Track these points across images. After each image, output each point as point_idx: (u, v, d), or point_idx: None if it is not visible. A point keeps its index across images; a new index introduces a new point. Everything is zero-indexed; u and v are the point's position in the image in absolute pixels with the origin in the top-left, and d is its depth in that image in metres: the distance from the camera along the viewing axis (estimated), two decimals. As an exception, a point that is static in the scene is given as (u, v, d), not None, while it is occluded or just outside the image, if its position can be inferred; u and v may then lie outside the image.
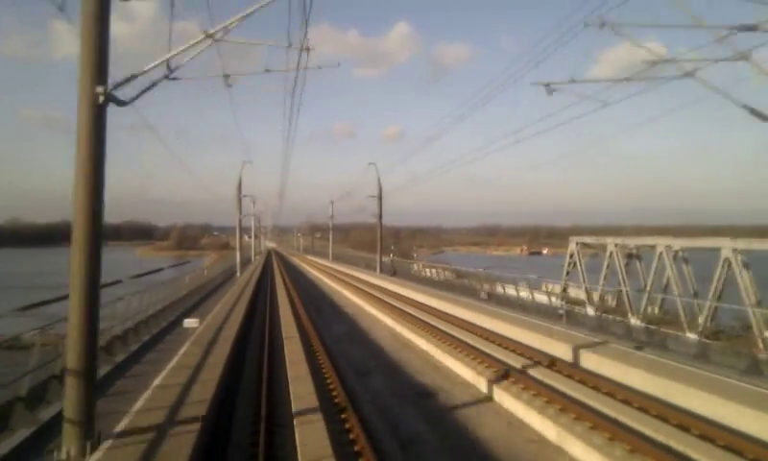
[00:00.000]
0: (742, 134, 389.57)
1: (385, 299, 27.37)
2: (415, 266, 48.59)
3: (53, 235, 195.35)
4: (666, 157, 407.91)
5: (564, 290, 24.46)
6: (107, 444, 6.79)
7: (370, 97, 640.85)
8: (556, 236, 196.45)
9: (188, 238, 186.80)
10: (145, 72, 7.32)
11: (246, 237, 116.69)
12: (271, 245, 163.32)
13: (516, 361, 12.94)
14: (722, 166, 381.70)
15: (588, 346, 13.07)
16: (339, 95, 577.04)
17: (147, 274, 22.07)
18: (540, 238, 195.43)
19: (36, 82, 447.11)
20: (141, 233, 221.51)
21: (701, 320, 16.32)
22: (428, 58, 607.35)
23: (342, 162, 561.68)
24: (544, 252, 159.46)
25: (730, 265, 15.72)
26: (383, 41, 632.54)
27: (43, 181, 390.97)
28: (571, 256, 24.45)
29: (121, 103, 7.03)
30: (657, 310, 19.37)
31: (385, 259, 49.06)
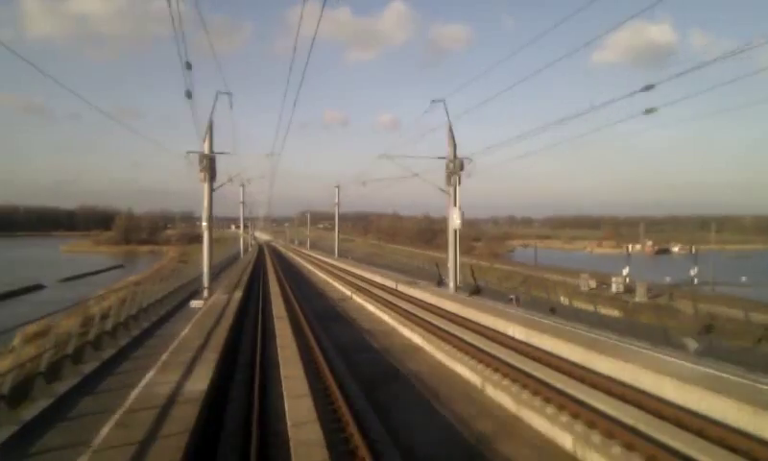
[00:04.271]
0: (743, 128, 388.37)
1: None
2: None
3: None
4: (668, 149, 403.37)
5: None
6: None
7: (363, 82, 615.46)
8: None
9: (139, 229, 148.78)
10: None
11: (233, 227, 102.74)
12: (264, 237, 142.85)
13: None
14: (723, 159, 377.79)
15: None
16: (330, 80, 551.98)
17: None
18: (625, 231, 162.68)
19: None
20: (102, 221, 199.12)
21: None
22: (425, 39, 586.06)
23: (335, 152, 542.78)
24: (675, 249, 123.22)
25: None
26: (377, 21, 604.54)
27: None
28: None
29: None
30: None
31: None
